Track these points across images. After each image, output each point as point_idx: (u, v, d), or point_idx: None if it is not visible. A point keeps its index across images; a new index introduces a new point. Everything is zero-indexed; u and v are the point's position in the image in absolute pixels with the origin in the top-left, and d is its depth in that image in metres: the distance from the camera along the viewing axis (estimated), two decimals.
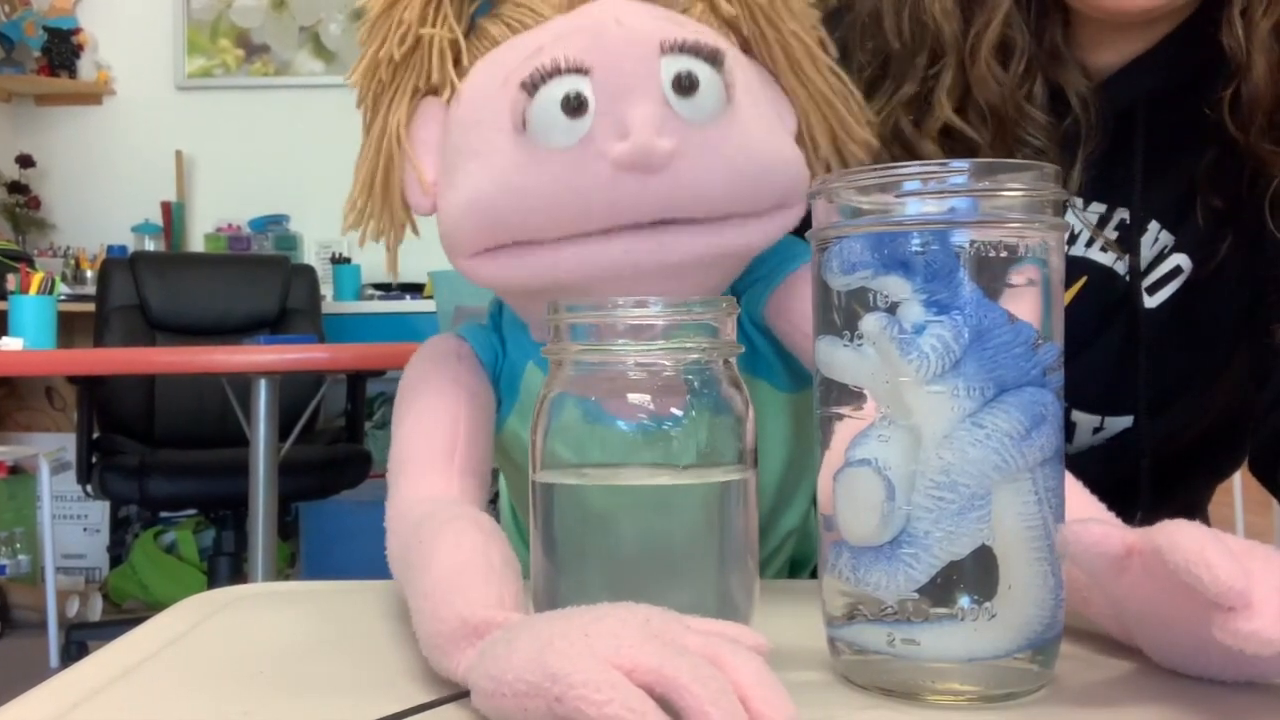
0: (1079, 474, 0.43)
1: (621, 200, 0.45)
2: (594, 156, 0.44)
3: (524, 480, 0.59)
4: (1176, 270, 0.63)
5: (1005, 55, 0.60)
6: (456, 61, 0.50)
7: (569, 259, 0.46)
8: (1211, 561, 0.30)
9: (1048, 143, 0.60)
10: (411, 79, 0.50)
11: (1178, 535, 0.31)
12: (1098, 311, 0.65)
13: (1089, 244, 0.65)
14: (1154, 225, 0.64)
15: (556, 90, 0.45)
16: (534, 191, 0.46)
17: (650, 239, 0.46)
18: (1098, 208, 0.64)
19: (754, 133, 0.47)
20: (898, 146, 0.61)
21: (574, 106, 0.44)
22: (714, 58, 0.46)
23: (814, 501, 0.62)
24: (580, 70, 0.45)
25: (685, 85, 0.45)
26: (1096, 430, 0.66)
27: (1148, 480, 0.66)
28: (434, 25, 0.48)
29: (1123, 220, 0.64)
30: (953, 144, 0.61)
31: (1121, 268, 0.64)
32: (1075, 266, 0.64)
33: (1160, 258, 0.64)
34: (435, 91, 0.50)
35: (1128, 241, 0.64)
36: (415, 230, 0.53)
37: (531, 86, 0.45)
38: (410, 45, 0.49)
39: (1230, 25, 0.56)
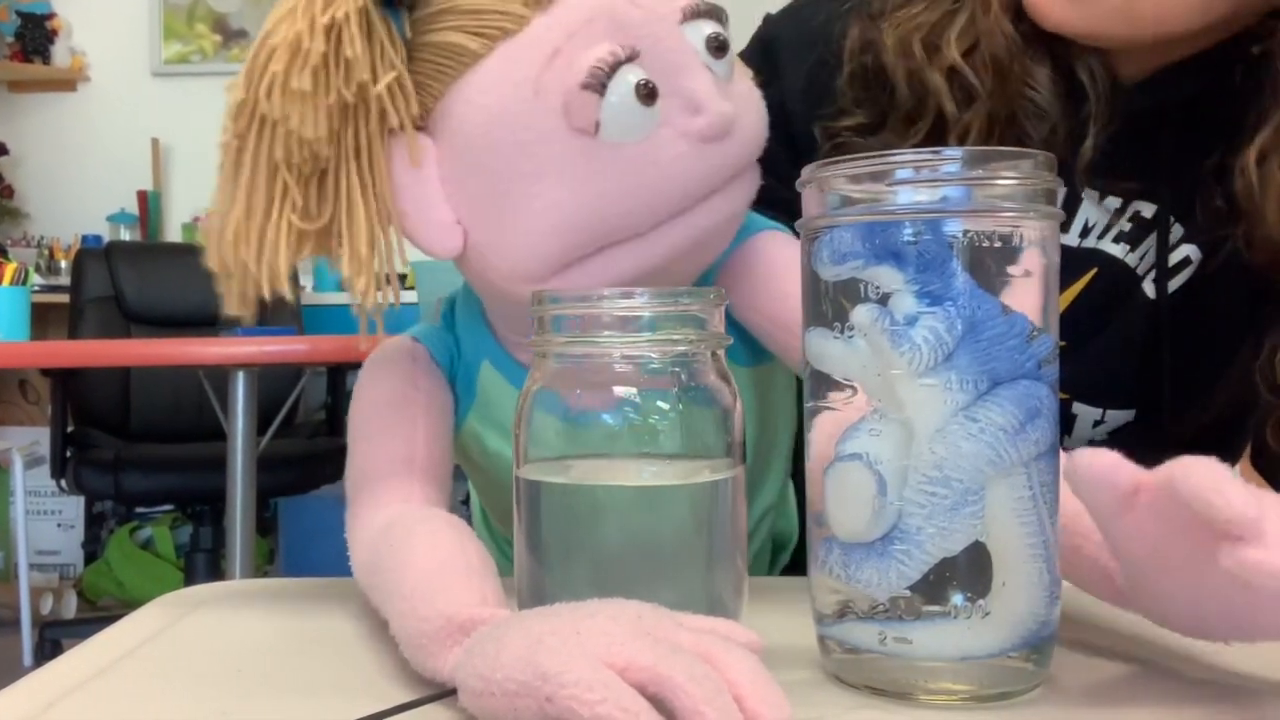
0: None
1: (709, 171, 0.46)
2: (675, 138, 0.45)
3: (486, 479, 0.59)
4: (1185, 261, 0.63)
5: (1017, 15, 0.60)
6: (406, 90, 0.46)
7: (660, 241, 0.47)
8: (1225, 489, 0.29)
9: (1052, 101, 0.60)
10: (375, 123, 0.45)
11: (1191, 465, 0.31)
12: (1105, 304, 0.64)
13: (1101, 236, 0.64)
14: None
15: (624, 83, 0.44)
16: (627, 190, 0.45)
17: (717, 197, 0.48)
18: (1114, 201, 0.64)
19: (746, 74, 0.50)
20: (910, 60, 0.61)
21: (647, 93, 0.44)
22: (722, 15, 0.48)
23: (791, 478, 0.62)
24: (632, 58, 0.44)
25: (719, 46, 0.47)
26: (1097, 423, 0.66)
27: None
28: (382, 71, 0.44)
29: (1137, 213, 0.63)
30: (957, 85, 0.60)
31: (1133, 260, 0.64)
32: (1086, 258, 0.64)
33: (1170, 248, 0.64)
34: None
35: (1145, 235, 0.63)
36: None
37: (599, 86, 0.44)
38: (359, 88, 0.44)
39: (1244, 174, 0.57)
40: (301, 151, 0.45)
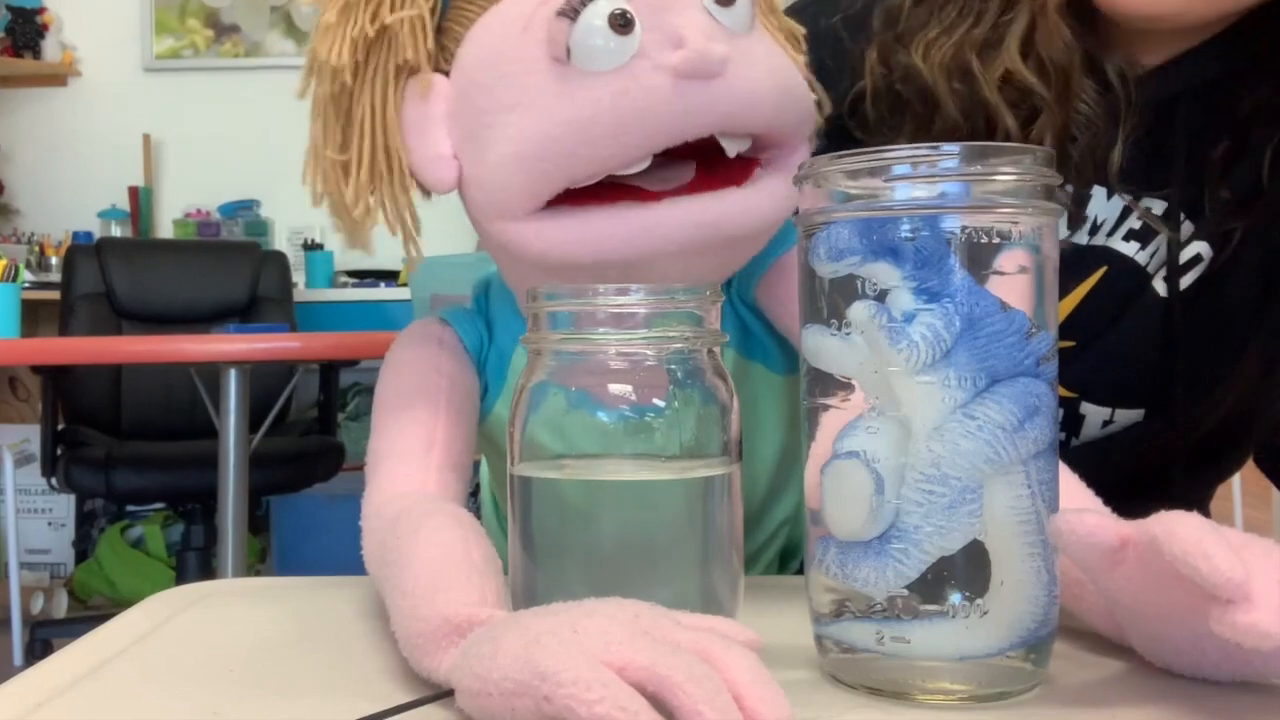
0: (1084, 468, 0.42)
1: (684, 111, 0.44)
2: (650, 70, 0.44)
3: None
4: (1196, 259, 0.62)
5: (1072, 16, 0.59)
6: (438, 30, 0.49)
7: (632, 224, 0.45)
8: (1210, 552, 0.29)
9: (1098, 111, 0.60)
10: (391, 58, 0.48)
11: (1175, 526, 0.31)
12: (1114, 303, 0.64)
13: (1111, 234, 0.64)
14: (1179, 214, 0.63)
15: (598, 10, 0.44)
16: (592, 118, 0.44)
17: (710, 204, 0.46)
18: (1124, 198, 0.63)
19: (779, 51, 0.49)
20: (958, 80, 0.61)
21: (622, 23, 0.43)
22: None
23: None
24: None
25: None
26: (1106, 423, 0.65)
27: (1155, 476, 0.65)
28: (401, 8, 0.47)
29: (1147, 209, 0.63)
30: (1014, 94, 0.60)
31: (1144, 258, 0.63)
32: (1096, 256, 0.64)
33: (1181, 246, 0.63)
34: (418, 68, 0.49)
35: (1156, 232, 0.63)
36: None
37: (572, 12, 0.44)
38: (381, 25, 0.48)
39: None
40: (334, 84, 0.48)
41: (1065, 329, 0.63)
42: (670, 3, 0.44)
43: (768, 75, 0.46)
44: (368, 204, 0.49)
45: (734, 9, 0.45)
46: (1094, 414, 0.65)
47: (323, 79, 0.49)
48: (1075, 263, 0.63)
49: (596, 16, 0.43)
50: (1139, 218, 0.63)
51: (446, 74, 0.49)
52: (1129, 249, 0.63)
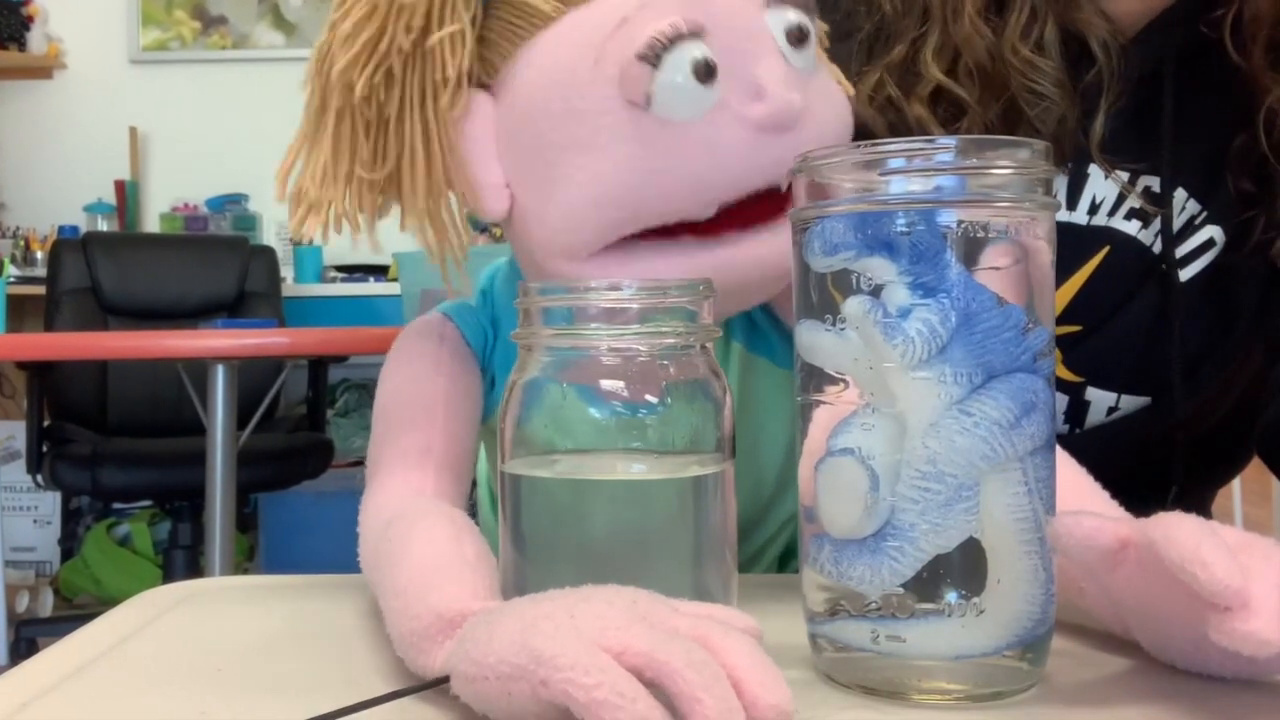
0: (1088, 459, 0.42)
1: (762, 162, 0.44)
2: (731, 121, 0.43)
3: None
4: (1209, 243, 0.62)
5: (1001, 7, 0.59)
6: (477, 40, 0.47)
7: (700, 264, 0.45)
8: (1207, 559, 0.29)
9: (1058, 90, 0.59)
10: (429, 73, 0.45)
11: (1173, 530, 0.30)
12: (1122, 284, 0.63)
13: (1111, 213, 0.63)
14: (1180, 193, 0.62)
15: (682, 57, 0.43)
16: (675, 171, 0.44)
17: (769, 243, 0.45)
18: (1120, 176, 0.62)
19: (834, 84, 0.49)
20: (892, 112, 0.60)
21: (707, 72, 0.43)
22: (809, 7, 0.46)
23: None
24: (696, 34, 0.43)
25: (799, 37, 0.45)
26: (1111, 410, 0.64)
27: (1161, 471, 0.65)
28: (440, 24, 0.45)
29: (1148, 188, 0.62)
30: (943, 106, 0.60)
31: (1148, 238, 0.63)
32: (1098, 236, 0.63)
33: (1190, 229, 0.62)
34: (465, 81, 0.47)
35: (1157, 211, 0.62)
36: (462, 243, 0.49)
37: (654, 57, 0.43)
38: (419, 35, 0.45)
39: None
40: (359, 98, 0.46)
41: (1070, 312, 0.63)
42: (750, 48, 0.43)
43: (835, 120, 0.47)
44: (436, 227, 0.47)
45: (805, 50, 0.45)
46: (1099, 400, 0.64)
47: (339, 92, 0.45)
48: (1076, 244, 0.62)
49: (680, 63, 0.42)
50: (1124, 210, 0.62)
51: (484, 86, 0.47)
52: (1130, 228, 0.62)
